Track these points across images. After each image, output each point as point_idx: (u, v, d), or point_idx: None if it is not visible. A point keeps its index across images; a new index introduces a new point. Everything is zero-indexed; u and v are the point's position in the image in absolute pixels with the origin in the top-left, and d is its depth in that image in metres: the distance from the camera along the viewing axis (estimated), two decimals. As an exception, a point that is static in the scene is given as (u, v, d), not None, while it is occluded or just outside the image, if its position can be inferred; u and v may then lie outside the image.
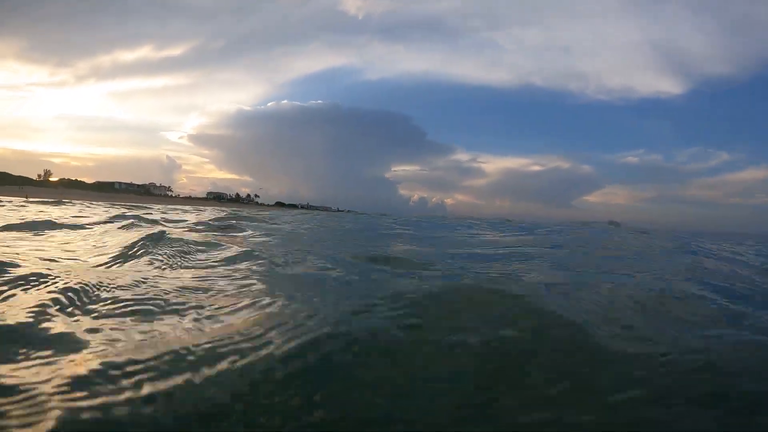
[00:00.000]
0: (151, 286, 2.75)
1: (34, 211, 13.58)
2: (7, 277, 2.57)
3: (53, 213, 12.98)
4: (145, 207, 27.61)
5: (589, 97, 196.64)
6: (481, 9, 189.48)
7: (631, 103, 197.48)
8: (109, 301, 2.35)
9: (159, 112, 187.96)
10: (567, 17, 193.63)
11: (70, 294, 2.34)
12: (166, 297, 2.52)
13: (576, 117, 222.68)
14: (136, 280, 2.86)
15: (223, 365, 1.45)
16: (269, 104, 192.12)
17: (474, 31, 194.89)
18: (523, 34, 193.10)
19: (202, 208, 39.12)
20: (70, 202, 28.75)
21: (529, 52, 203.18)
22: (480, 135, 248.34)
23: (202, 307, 2.33)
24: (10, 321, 1.90)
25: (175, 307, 2.34)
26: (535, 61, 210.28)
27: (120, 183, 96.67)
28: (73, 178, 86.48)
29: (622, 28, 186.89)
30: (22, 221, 8.15)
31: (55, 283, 2.52)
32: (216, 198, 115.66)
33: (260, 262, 3.94)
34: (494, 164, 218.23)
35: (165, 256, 4.14)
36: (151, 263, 3.85)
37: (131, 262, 4.00)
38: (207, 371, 1.40)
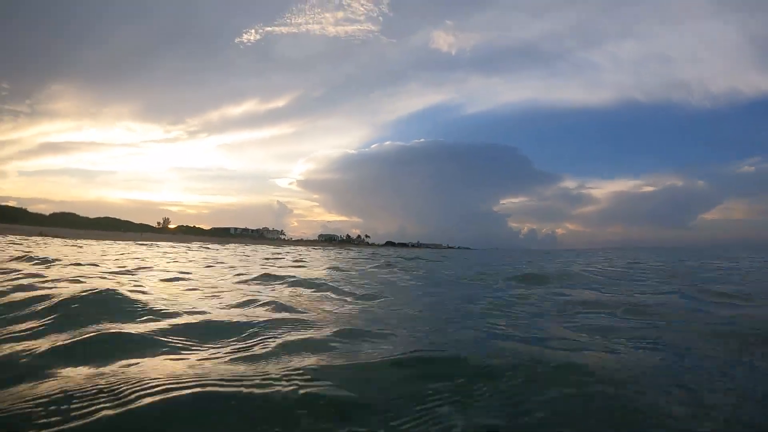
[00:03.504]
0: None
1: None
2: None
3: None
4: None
5: (695, 106, 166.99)
6: (572, 29, 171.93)
7: (739, 108, 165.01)
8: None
9: (267, 160, 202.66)
10: (661, 24, 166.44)
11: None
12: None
13: (683, 129, 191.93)
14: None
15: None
16: (373, 146, 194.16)
17: (569, 52, 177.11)
18: (618, 49, 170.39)
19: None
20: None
21: (627, 67, 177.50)
22: (586, 159, 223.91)
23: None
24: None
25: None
26: (634, 76, 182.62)
27: (235, 228, 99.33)
28: (191, 225, 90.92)
29: (719, 28, 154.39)
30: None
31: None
32: (327, 240, 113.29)
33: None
34: (603, 189, 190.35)
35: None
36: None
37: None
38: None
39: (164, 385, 1.76)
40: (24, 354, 2.35)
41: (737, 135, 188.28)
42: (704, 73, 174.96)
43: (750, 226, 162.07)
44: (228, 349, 2.57)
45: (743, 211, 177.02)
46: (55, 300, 3.52)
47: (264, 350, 2.49)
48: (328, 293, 5.75)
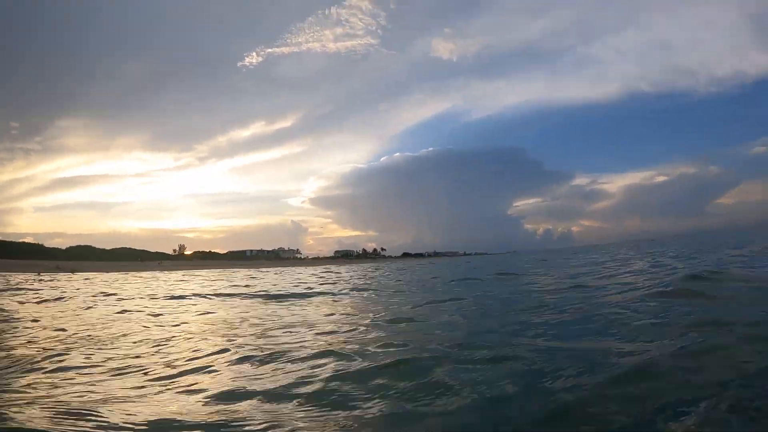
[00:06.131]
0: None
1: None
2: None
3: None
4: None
5: (701, 92, 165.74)
6: (572, 25, 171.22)
7: (746, 89, 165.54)
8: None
9: (279, 180, 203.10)
10: (660, 11, 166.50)
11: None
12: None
13: (691, 115, 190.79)
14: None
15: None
16: (382, 159, 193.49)
17: (570, 48, 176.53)
18: (618, 41, 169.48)
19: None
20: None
21: (629, 58, 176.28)
22: (596, 155, 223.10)
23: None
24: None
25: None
26: (637, 66, 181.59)
27: (251, 250, 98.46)
28: (207, 250, 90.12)
29: (718, 10, 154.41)
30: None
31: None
32: (344, 255, 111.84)
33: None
34: (616, 183, 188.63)
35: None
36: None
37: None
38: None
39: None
40: None
41: (746, 116, 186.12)
42: (708, 57, 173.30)
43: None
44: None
45: (761, 192, 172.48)
46: None
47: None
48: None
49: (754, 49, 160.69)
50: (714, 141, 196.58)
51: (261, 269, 42.57)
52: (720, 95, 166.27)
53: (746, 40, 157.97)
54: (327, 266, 49.08)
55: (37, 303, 10.76)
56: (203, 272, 37.91)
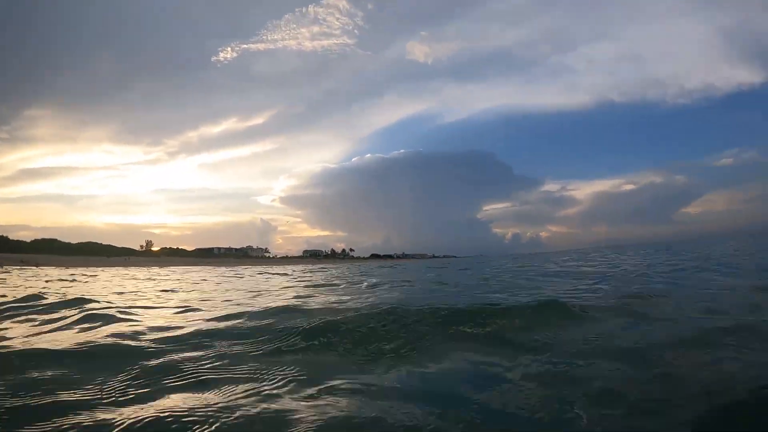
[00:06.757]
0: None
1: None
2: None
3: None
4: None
5: (670, 104, 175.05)
6: (546, 34, 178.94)
7: (714, 102, 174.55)
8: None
9: (249, 178, 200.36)
10: (633, 24, 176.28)
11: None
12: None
13: (660, 126, 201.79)
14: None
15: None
16: (353, 159, 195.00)
17: (544, 57, 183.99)
18: (592, 52, 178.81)
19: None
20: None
21: (601, 69, 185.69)
22: (566, 162, 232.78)
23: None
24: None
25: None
26: (609, 77, 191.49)
27: (219, 248, 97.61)
28: (174, 247, 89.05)
29: (690, 25, 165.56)
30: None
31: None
32: (312, 255, 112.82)
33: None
34: (584, 190, 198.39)
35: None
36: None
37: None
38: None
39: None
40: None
41: (714, 129, 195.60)
42: (678, 69, 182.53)
43: (732, 216, 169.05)
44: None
45: (724, 203, 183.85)
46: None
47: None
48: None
49: (724, 63, 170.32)
50: (681, 152, 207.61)
51: (237, 267, 42.25)
52: (688, 107, 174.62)
53: (716, 54, 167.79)
54: (300, 266, 50.42)
55: None
56: (177, 271, 38.49)
